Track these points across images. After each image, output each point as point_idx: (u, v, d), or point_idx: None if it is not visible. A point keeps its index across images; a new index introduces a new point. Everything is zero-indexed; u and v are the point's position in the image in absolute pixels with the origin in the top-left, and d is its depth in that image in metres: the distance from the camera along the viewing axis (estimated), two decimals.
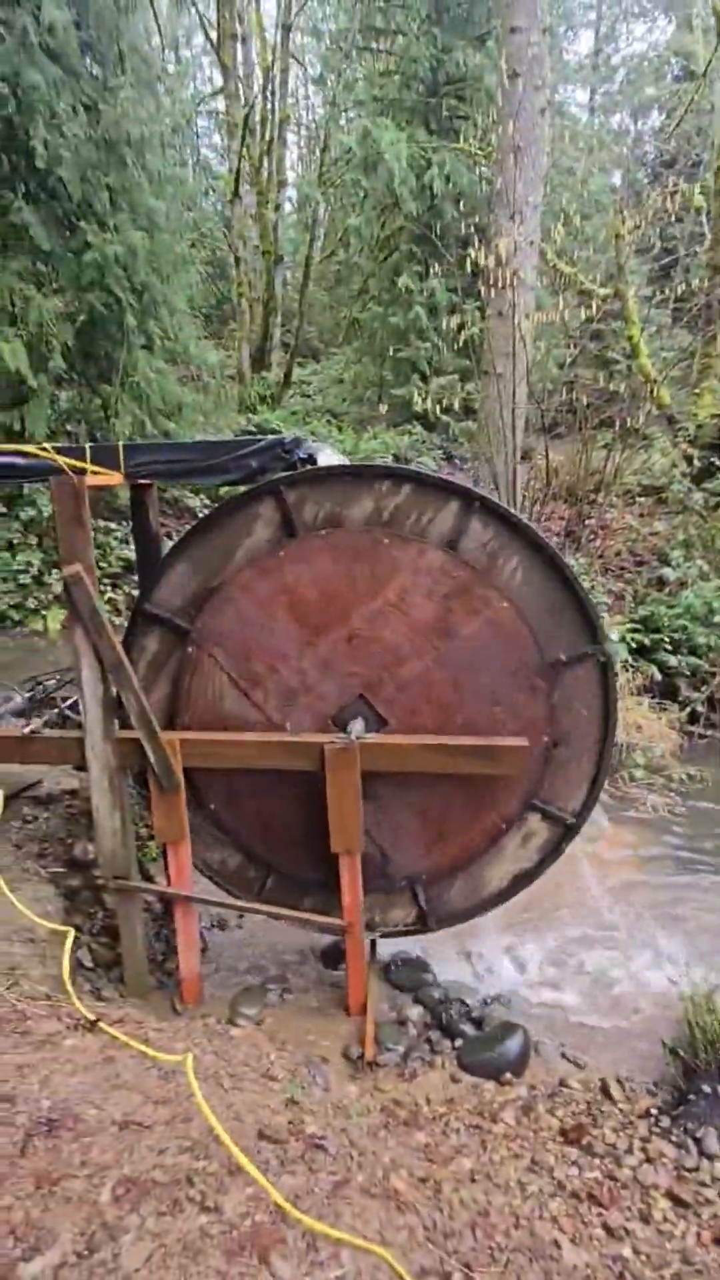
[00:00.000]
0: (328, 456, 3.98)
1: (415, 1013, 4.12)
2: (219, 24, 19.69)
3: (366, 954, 4.13)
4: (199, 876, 4.12)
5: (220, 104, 22.51)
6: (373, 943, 4.38)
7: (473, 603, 3.63)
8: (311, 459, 3.84)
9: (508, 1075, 3.61)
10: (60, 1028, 2.73)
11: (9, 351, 10.44)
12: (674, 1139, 3.10)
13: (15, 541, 12.10)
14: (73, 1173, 2.07)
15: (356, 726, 3.75)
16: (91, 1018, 2.81)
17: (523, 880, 4.04)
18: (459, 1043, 3.87)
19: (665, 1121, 3.23)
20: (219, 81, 22.16)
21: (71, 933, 3.51)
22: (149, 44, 12.60)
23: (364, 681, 3.80)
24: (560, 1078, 3.60)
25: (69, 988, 3.05)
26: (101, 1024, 2.79)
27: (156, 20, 19.05)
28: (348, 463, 3.93)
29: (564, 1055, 3.84)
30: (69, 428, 12.88)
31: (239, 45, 21.06)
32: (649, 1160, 2.93)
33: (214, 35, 20.43)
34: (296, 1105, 2.59)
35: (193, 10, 22.53)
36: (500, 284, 7.90)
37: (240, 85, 20.73)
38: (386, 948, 4.51)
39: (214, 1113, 2.25)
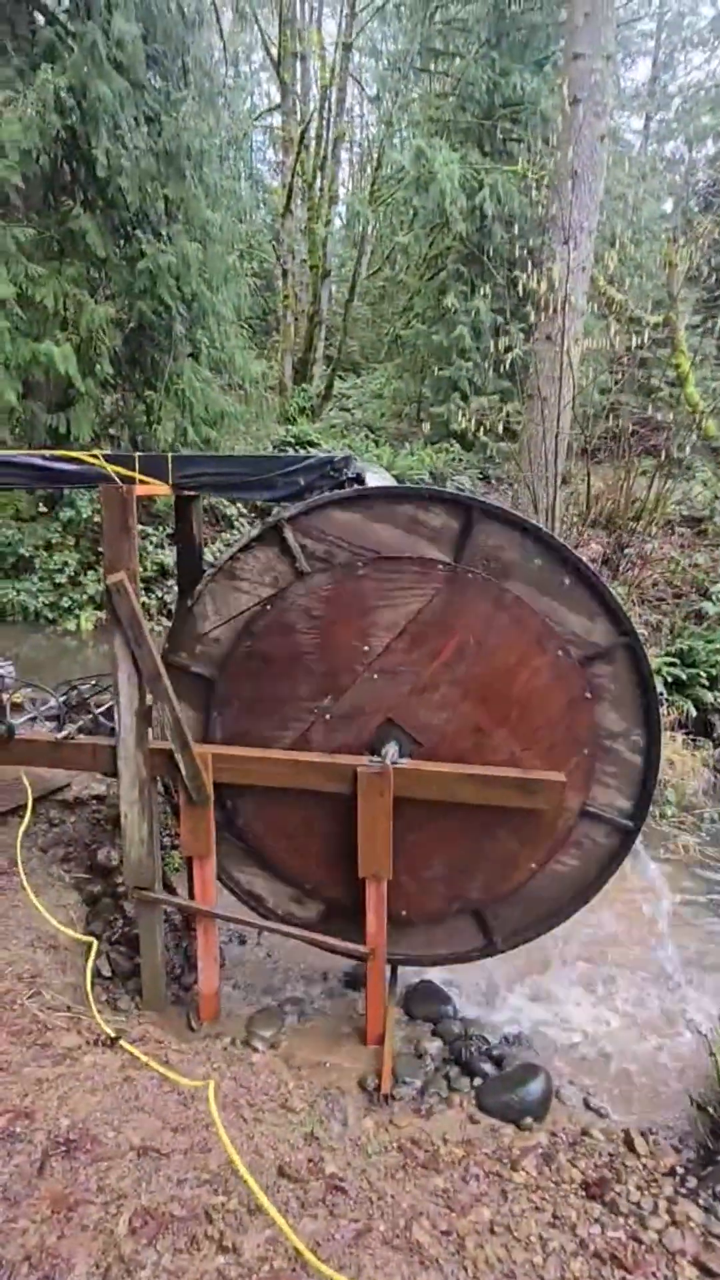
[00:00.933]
0: (375, 478, 3.95)
1: (434, 1047, 4.03)
2: (280, 42, 19.99)
3: (386, 982, 4.06)
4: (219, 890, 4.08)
5: (277, 120, 22.85)
6: (394, 971, 4.30)
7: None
8: (360, 479, 3.82)
9: (528, 1120, 3.51)
10: (80, 1042, 2.70)
11: (60, 355, 10.61)
12: (701, 1202, 2.98)
13: (54, 541, 12.27)
14: (90, 1198, 2.02)
15: (390, 751, 3.69)
16: (112, 1034, 2.77)
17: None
18: (478, 1081, 3.77)
19: (692, 1182, 3.11)
20: (276, 98, 22.51)
21: (94, 944, 3.48)
22: (212, 59, 12.79)
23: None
24: (583, 1126, 3.49)
25: (91, 1002, 3.01)
26: (122, 1041, 2.75)
27: (221, 36, 19.41)
28: (394, 484, 3.90)
29: (587, 1103, 3.73)
30: (112, 432, 13.08)
31: (298, 63, 21.38)
32: (675, 1224, 2.82)
33: (274, 52, 20.75)
34: (316, 1141, 2.52)
35: (255, 28, 22.93)
36: (550, 308, 7.86)
37: (297, 102, 21.02)
38: (408, 976, 4.43)
39: (234, 1145, 2.19)
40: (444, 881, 3.89)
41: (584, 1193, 2.94)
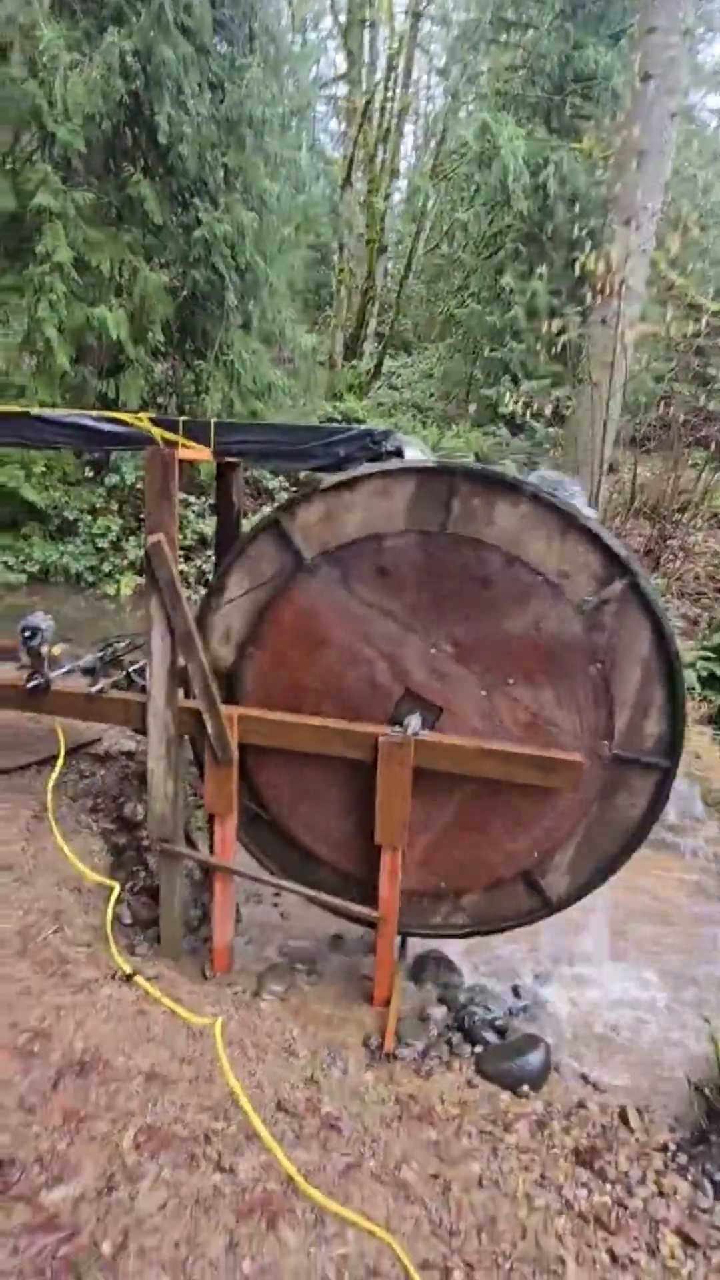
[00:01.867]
0: (414, 452, 3.99)
1: (438, 1012, 4.13)
2: (349, 8, 19.71)
3: (396, 949, 4.16)
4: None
5: (341, 90, 22.59)
6: (404, 939, 4.40)
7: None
8: (399, 452, 3.86)
9: (525, 1088, 3.59)
10: (98, 975, 2.84)
11: (113, 321, 10.75)
12: (690, 1177, 3.04)
13: (98, 506, 12.50)
14: (99, 1114, 2.16)
15: (413, 722, 3.76)
16: (129, 970, 2.92)
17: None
18: (479, 1048, 3.86)
19: (682, 1158, 3.17)
20: (342, 67, 22.23)
21: (116, 887, 3.64)
22: (279, 25, 12.70)
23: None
24: (579, 1098, 3.56)
25: (110, 940, 3.16)
26: (138, 978, 2.89)
27: (289, 2, 19.21)
28: (432, 459, 3.93)
29: (584, 1077, 3.80)
30: (160, 400, 13.24)
31: (366, 32, 21.08)
32: (661, 1194, 2.88)
33: (343, 20, 20.47)
34: (315, 1084, 2.64)
35: None
36: (608, 291, 7.74)
37: (363, 71, 20.75)
38: (417, 945, 4.53)
39: (237, 1079, 2.31)
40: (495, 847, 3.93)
41: (574, 1158, 3.02)
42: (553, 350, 13.93)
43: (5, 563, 11.96)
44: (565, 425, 11.53)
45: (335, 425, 3.86)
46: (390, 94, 20.84)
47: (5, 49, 10.17)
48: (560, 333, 9.70)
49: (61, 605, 11.70)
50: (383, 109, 20.91)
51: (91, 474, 12.85)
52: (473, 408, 16.19)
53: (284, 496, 13.84)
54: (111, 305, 10.80)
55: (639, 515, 10.36)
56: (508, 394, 11.85)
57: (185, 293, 11.97)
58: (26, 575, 11.99)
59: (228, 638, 3.97)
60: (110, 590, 12.16)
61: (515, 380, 16.16)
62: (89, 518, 12.46)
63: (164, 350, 12.80)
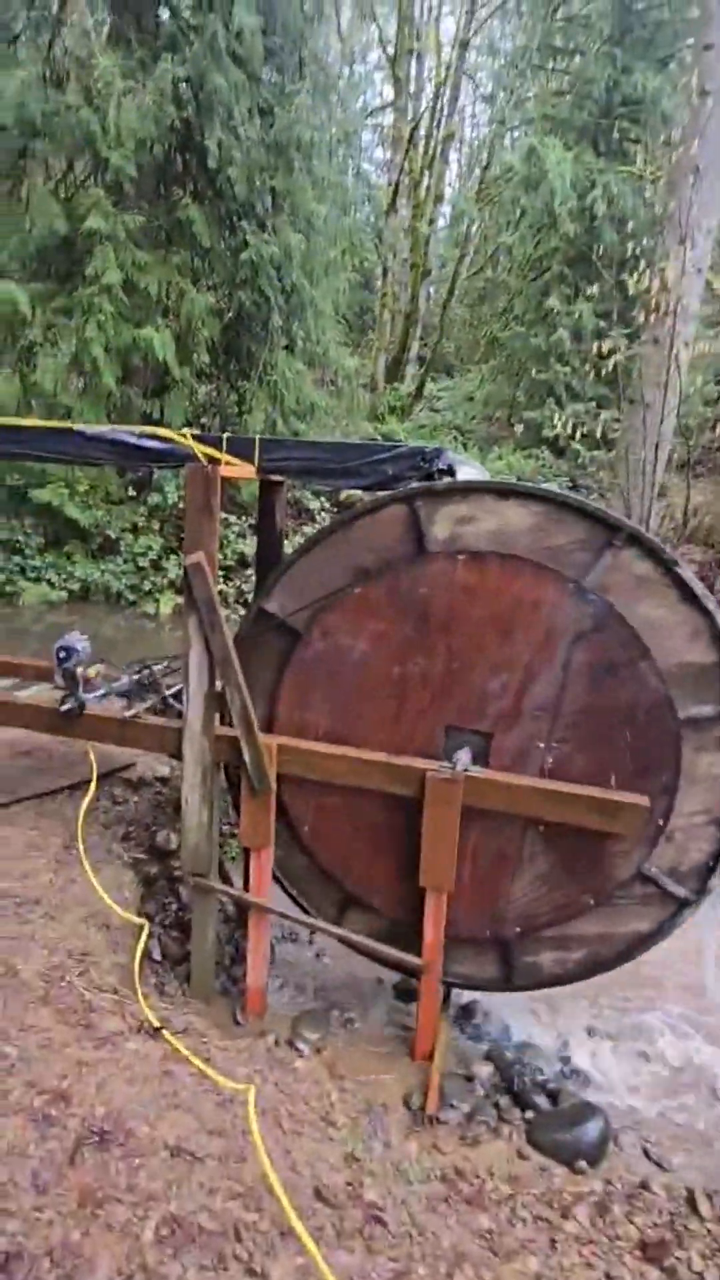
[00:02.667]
0: (470, 471, 3.79)
1: (485, 1071, 3.83)
2: (397, 39, 19.93)
3: (440, 998, 3.88)
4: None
5: (388, 118, 22.82)
6: (448, 988, 4.12)
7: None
8: (451, 471, 3.66)
9: (582, 1164, 3.27)
10: (124, 1027, 2.64)
11: (159, 342, 10.81)
12: None
13: (139, 525, 12.53)
14: (118, 1196, 1.94)
15: (463, 758, 3.52)
16: (156, 1023, 2.71)
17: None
18: (529, 1114, 3.56)
19: None
20: (389, 96, 22.48)
21: (146, 927, 3.44)
22: (328, 54, 12.82)
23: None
24: (641, 1178, 3.23)
25: (138, 988, 2.96)
26: (165, 1032, 2.68)
27: (339, 32, 19.49)
28: (490, 479, 3.72)
29: (647, 1152, 3.46)
30: (204, 421, 13.28)
31: (413, 61, 21.29)
32: None
33: (390, 50, 20.71)
34: (356, 1162, 2.39)
35: (373, 26, 22.95)
36: (661, 310, 7.50)
37: (410, 100, 20.93)
38: (463, 994, 4.24)
39: (270, 1158, 2.08)
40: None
41: (641, 1253, 2.71)
42: (600, 372, 13.69)
43: (48, 580, 12.03)
44: (613, 448, 11.23)
45: (383, 444, 3.66)
46: (436, 121, 20.96)
47: (62, 79, 10.38)
48: (610, 354, 9.45)
49: (101, 624, 11.71)
50: (428, 136, 21.04)
51: (134, 493, 12.91)
52: (518, 429, 15.93)
53: (325, 518, 13.74)
54: (158, 326, 10.87)
55: (691, 540, 10.01)
56: (555, 416, 11.60)
57: (231, 314, 12.02)
58: (68, 593, 12.03)
59: None
60: (150, 609, 12.14)
61: (559, 403, 15.90)
62: (130, 536, 12.49)
63: (209, 371, 12.86)
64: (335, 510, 13.85)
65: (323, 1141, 2.43)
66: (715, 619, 3.27)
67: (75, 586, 12.03)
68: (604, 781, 3.43)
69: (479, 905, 3.72)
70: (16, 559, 11.89)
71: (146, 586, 12.22)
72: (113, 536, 12.35)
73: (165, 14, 10.76)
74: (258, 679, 3.78)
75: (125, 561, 12.33)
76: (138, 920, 3.48)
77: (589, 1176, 3.24)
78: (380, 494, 3.57)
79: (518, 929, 3.71)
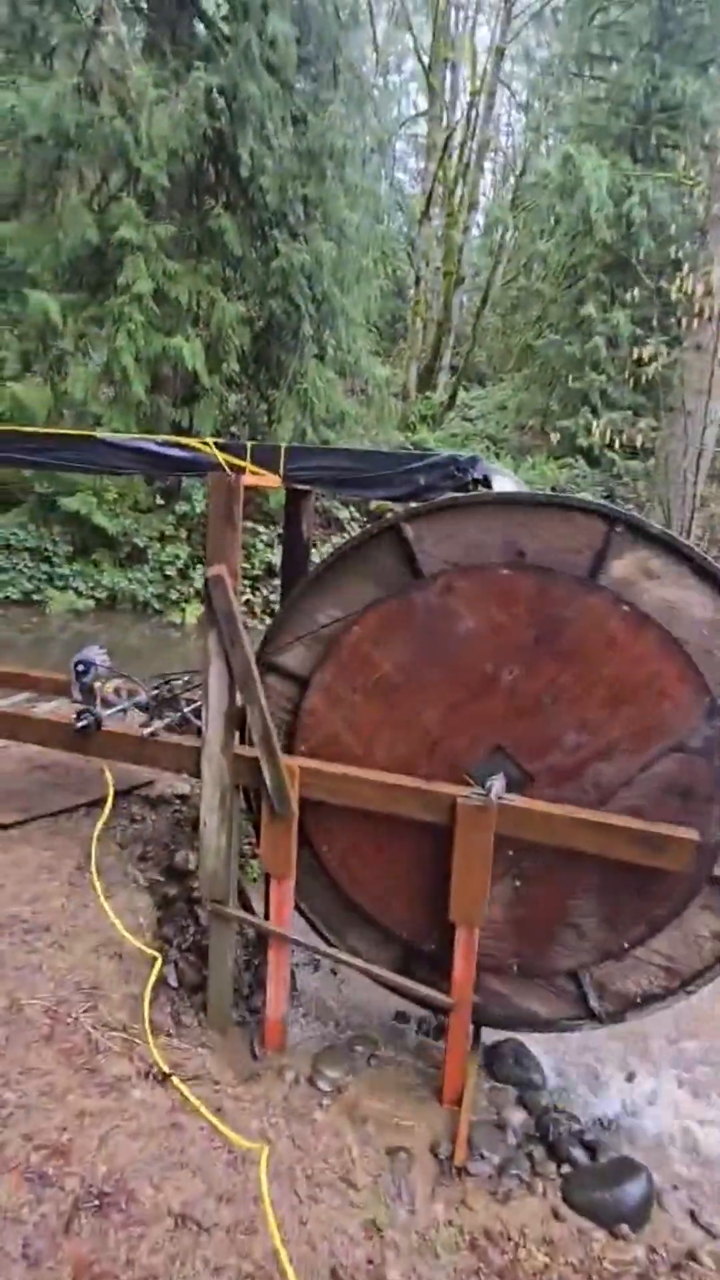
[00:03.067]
0: (505, 481, 3.59)
1: (517, 1118, 3.60)
2: (432, 47, 19.87)
3: (470, 1038, 3.66)
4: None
5: (422, 127, 22.77)
6: (478, 1027, 3.89)
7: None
8: (487, 481, 3.47)
9: (623, 1227, 3.03)
10: (131, 1072, 2.47)
11: (189, 351, 10.77)
12: None
13: (167, 534, 12.49)
14: (116, 1272, 1.76)
15: (497, 784, 3.31)
16: (165, 1069, 2.53)
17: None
18: (565, 1169, 3.32)
19: None
20: (423, 105, 22.42)
21: (159, 960, 3.27)
22: (363, 62, 12.75)
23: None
24: (689, 1246, 2.98)
25: (148, 1030, 2.79)
26: (175, 1079, 2.50)
27: (375, 43, 19.49)
28: (529, 490, 3.53)
29: (694, 1216, 3.20)
30: (234, 430, 13.23)
31: (448, 71, 21.22)
32: None
33: (426, 59, 20.67)
34: (377, 1232, 2.18)
35: (408, 35, 22.94)
36: (705, 315, 7.24)
37: (444, 108, 20.85)
38: (492, 1035, 4.01)
39: (284, 1230, 1.89)
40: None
41: None
42: (638, 380, 13.39)
43: (75, 589, 12.03)
44: (651, 457, 10.94)
45: (414, 453, 3.47)
46: (471, 129, 20.84)
47: (96, 91, 10.43)
48: (649, 360, 9.19)
49: (127, 633, 11.67)
50: (463, 144, 20.93)
51: (162, 502, 12.89)
52: (556, 438, 15.66)
53: (355, 528, 13.60)
54: (188, 335, 10.83)
55: None
56: (590, 424, 11.33)
57: (261, 323, 11.96)
58: (94, 601, 12.01)
59: None
60: (176, 618, 12.08)
61: (594, 411, 15.62)
62: (158, 545, 12.46)
63: (238, 380, 12.81)
64: (365, 520, 13.70)
65: (342, 1207, 2.23)
66: None
67: (102, 595, 12.01)
68: None
69: None
70: (45, 567, 11.91)
71: (173, 595, 12.16)
72: (140, 545, 12.33)
73: (200, 25, 10.76)
74: None
75: (152, 570, 12.29)
76: (151, 952, 3.31)
77: (631, 1242, 2.99)
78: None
79: None
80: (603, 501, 3.34)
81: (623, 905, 3.36)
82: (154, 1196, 1.98)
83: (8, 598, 11.72)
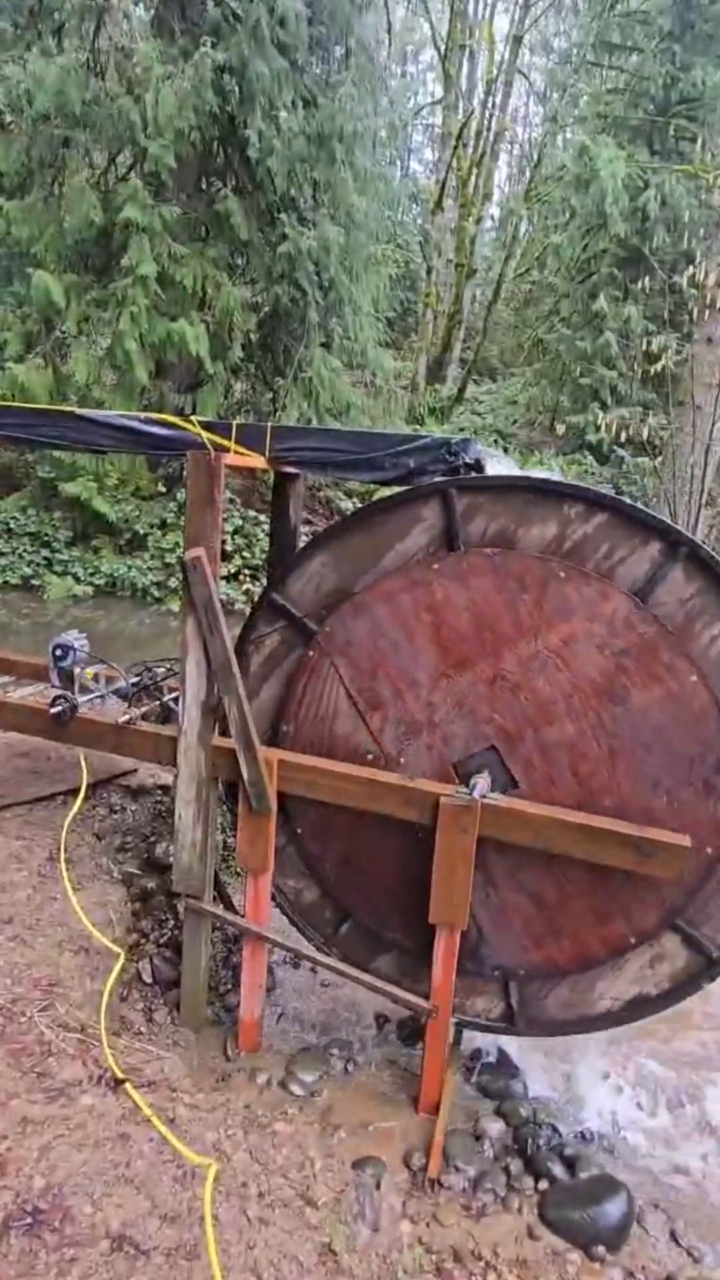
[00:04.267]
0: (499, 466, 3.44)
1: (495, 1129, 3.46)
2: (449, 33, 19.60)
3: (449, 1043, 3.53)
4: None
5: (438, 117, 22.49)
6: (459, 1031, 3.77)
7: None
8: (479, 465, 3.32)
9: (600, 1249, 2.90)
10: (83, 1076, 2.34)
11: (193, 336, 10.62)
12: None
13: (168, 521, 12.36)
14: None
15: (481, 783, 3.17)
16: (119, 1074, 2.41)
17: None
18: (543, 1185, 3.19)
19: None
20: (439, 94, 22.15)
21: (122, 956, 3.15)
22: (375, 43, 12.53)
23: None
24: (669, 1271, 2.85)
25: (104, 1031, 2.66)
26: (128, 1086, 2.37)
27: (389, 30, 19.20)
28: (527, 474, 3.37)
29: (675, 1237, 3.07)
30: (238, 417, 13.08)
31: (465, 59, 20.94)
32: None
33: (443, 46, 20.39)
34: (334, 1258, 2.05)
35: (425, 24, 22.65)
36: (717, 306, 7.06)
37: (460, 97, 20.58)
38: (475, 1040, 3.88)
39: (229, 1253, 1.76)
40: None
41: None
42: (648, 375, 13.18)
43: (74, 575, 11.92)
44: (660, 453, 10.75)
45: (406, 434, 3.32)
46: (487, 118, 20.57)
47: (103, 68, 10.26)
48: (660, 354, 8.98)
49: (126, 620, 11.56)
50: (478, 133, 20.65)
51: (163, 489, 12.75)
52: (562, 429, 15.46)
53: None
54: (192, 320, 10.67)
55: None
56: (601, 418, 11.13)
57: (267, 309, 11.79)
58: (93, 588, 11.91)
59: None
60: (174, 606, 11.94)
61: (604, 407, 15.40)
62: (158, 532, 12.33)
63: (243, 367, 12.65)
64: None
65: (297, 1230, 2.10)
66: None
67: (101, 582, 11.90)
68: None
69: None
70: (44, 552, 11.81)
71: (173, 584, 12.03)
72: (141, 532, 12.20)
73: (210, 2, 10.55)
74: None
75: (152, 558, 12.17)
76: (115, 949, 3.18)
77: (608, 1265, 2.87)
78: None
79: None
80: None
81: None
82: (92, 1216, 1.85)
83: (6, 583, 11.63)
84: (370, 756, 3.40)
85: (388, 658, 3.34)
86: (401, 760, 3.36)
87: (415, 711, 3.33)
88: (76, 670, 4.02)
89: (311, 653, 3.44)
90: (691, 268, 7.32)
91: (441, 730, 3.31)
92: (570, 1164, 3.30)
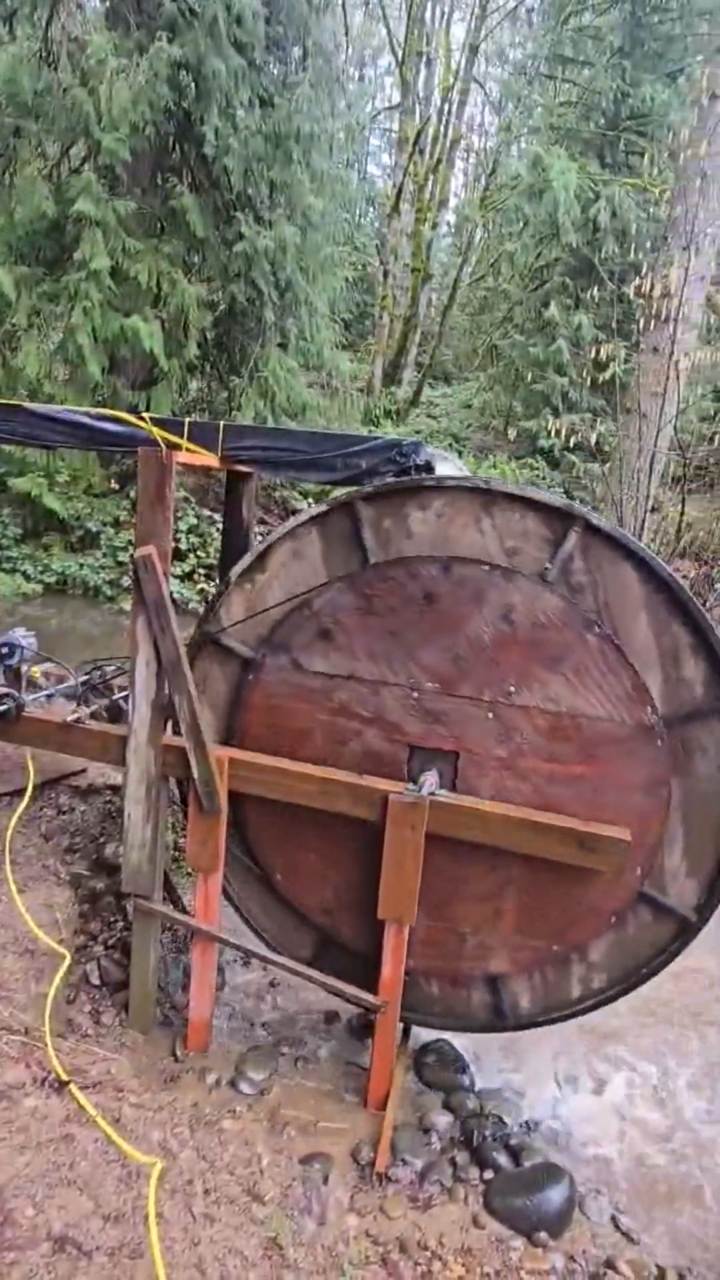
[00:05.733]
0: (447, 467, 3.50)
1: (443, 1122, 3.52)
2: (406, 41, 19.74)
3: (397, 1039, 3.57)
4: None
5: (395, 122, 22.61)
6: (406, 1027, 3.81)
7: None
8: (429, 466, 3.37)
9: (542, 1235, 2.97)
10: (26, 1079, 2.31)
11: (147, 332, 10.48)
12: None
13: (121, 519, 12.18)
14: None
15: (429, 780, 3.22)
16: (63, 1075, 2.38)
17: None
18: (488, 1174, 3.25)
19: None
20: (397, 100, 22.27)
21: (68, 959, 3.11)
22: (334, 46, 12.54)
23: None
24: (609, 1254, 2.94)
25: (48, 1032, 2.63)
26: (73, 1087, 2.35)
27: (347, 33, 19.25)
28: (467, 474, 3.44)
29: (616, 1222, 3.16)
30: (193, 415, 12.96)
31: (423, 66, 21.11)
32: None
33: (400, 53, 20.52)
34: (279, 1252, 2.07)
35: (383, 29, 22.77)
36: (663, 316, 7.26)
37: (417, 103, 20.73)
38: (423, 1035, 3.93)
39: (173, 1250, 1.76)
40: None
41: None
42: (596, 383, 13.45)
43: (24, 572, 11.66)
44: (608, 459, 10.99)
45: (357, 435, 3.36)
46: (443, 125, 20.77)
47: (57, 58, 10.08)
48: (608, 361, 9.20)
49: (78, 618, 11.35)
50: (435, 140, 20.84)
51: (116, 486, 12.57)
52: (513, 434, 15.69)
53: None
54: (147, 316, 10.53)
55: (685, 555, 9.76)
56: (552, 423, 11.33)
57: (223, 307, 11.72)
58: (43, 586, 11.66)
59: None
60: (128, 605, 11.77)
61: (556, 413, 15.68)
62: (111, 530, 12.14)
63: (199, 365, 12.53)
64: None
65: (242, 1225, 2.11)
66: None
67: (51, 580, 11.66)
68: None
69: None
70: None
71: (125, 582, 11.84)
72: (93, 530, 12.00)
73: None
74: None
75: (105, 555, 11.98)
76: (60, 950, 3.14)
77: (550, 1250, 2.94)
78: None
79: None
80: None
81: None
82: (34, 1218, 1.83)
83: None
84: None
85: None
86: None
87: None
88: (24, 668, 3.96)
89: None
90: (638, 279, 7.53)
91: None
92: (515, 1153, 3.37)
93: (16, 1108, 2.18)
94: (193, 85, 10.06)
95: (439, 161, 20.82)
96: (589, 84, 18.13)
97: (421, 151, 20.44)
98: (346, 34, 18.17)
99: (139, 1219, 1.91)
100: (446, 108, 20.68)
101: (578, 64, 19.19)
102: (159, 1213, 1.94)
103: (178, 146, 11.39)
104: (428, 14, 20.79)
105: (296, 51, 11.28)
